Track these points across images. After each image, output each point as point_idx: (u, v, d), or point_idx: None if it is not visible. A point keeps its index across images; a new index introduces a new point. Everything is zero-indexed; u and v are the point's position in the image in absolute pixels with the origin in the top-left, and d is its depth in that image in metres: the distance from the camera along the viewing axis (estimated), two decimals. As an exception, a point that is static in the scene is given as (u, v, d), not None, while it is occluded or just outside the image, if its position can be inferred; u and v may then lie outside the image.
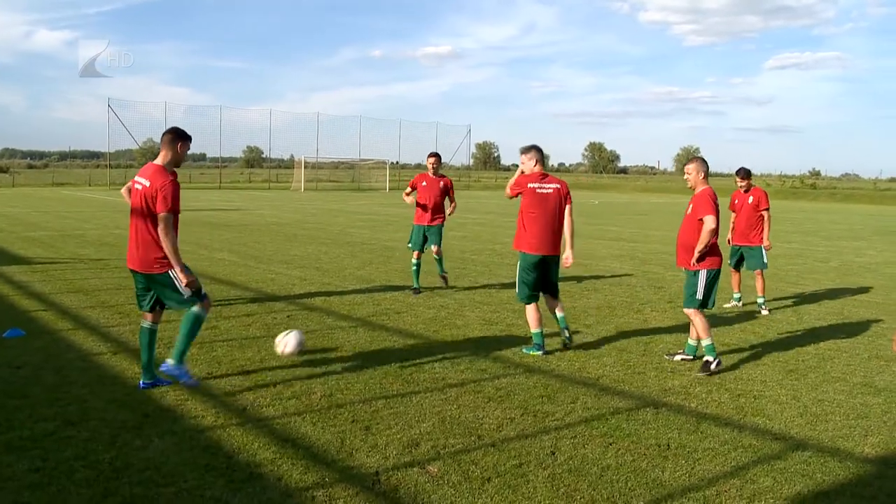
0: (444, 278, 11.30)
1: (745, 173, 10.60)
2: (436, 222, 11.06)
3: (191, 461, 4.53)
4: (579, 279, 12.41)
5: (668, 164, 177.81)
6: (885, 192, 66.58)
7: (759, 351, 7.79)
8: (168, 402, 5.59)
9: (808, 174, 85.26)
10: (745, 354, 7.61)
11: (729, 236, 10.66)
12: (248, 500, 4.05)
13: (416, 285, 10.96)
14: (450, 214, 11.41)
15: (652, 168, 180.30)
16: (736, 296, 10.58)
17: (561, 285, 11.43)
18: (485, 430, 5.20)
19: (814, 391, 6.42)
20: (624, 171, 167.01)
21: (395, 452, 4.76)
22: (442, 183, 11.15)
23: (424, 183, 11.10)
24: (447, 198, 11.23)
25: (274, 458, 4.60)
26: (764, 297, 10.30)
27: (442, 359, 6.99)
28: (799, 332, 8.84)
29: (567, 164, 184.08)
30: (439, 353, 7.19)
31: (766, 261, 10.42)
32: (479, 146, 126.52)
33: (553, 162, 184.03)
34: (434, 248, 11.04)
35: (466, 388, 6.13)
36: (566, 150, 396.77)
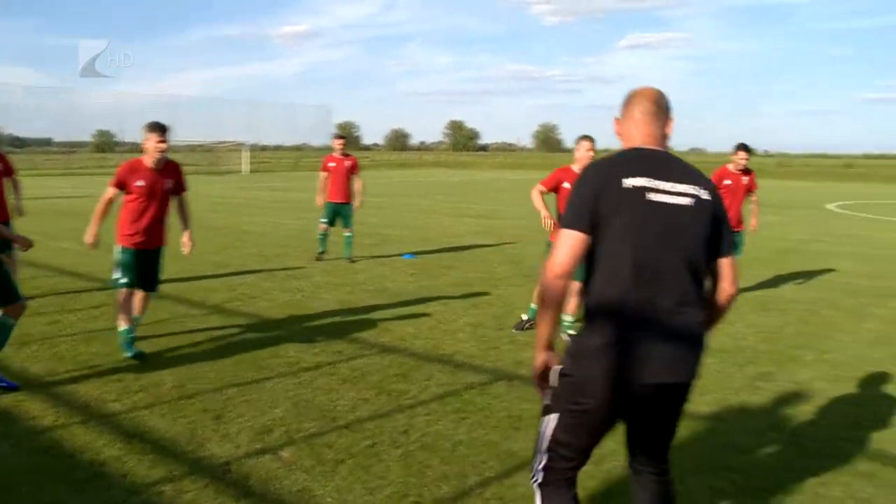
0: (351, 260, 11.85)
1: (747, 148, 9.54)
2: (346, 201, 11.91)
3: (28, 466, 4.30)
4: (436, 257, 12.54)
5: (527, 141, 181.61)
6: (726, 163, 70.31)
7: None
8: (2, 406, 5.28)
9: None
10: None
11: None
12: (89, 501, 3.89)
13: (321, 249, 11.92)
14: (356, 205, 12.11)
15: (511, 145, 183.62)
16: None
17: (419, 263, 11.61)
18: (339, 412, 5.19)
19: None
20: (484, 148, 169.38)
21: (247, 440, 4.68)
22: (349, 163, 11.92)
23: (333, 164, 11.89)
24: (355, 177, 12.02)
25: (119, 455, 4.43)
26: None
27: (297, 342, 6.91)
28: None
29: (428, 143, 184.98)
30: (294, 337, 7.10)
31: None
32: (339, 126, 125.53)
33: (414, 140, 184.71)
34: (346, 230, 11.96)
35: (321, 371, 6.09)
36: (427, 129, 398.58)
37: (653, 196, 2.72)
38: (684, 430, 4.97)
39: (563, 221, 2.78)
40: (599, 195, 2.71)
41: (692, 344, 2.79)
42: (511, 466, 4.39)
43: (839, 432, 5.07)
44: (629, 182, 2.72)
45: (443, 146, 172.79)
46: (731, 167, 9.52)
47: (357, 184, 12.03)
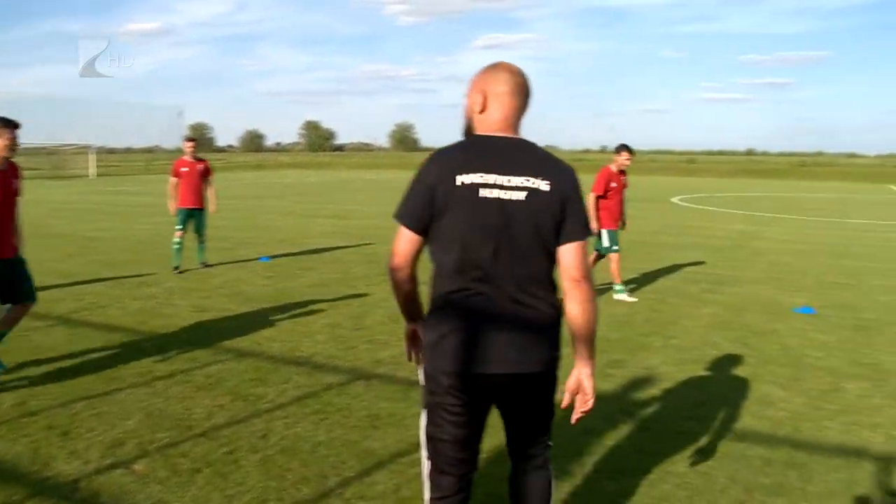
0: (205, 265, 11.49)
1: (629, 149, 9.64)
2: (200, 206, 11.35)
3: None
4: (293, 259, 12.40)
5: (383, 141, 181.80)
6: (580, 161, 73.12)
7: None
8: None
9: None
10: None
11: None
12: (-79, 530, 3.66)
13: (176, 263, 11.09)
14: (212, 210, 11.69)
15: (368, 145, 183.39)
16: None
17: (275, 266, 11.45)
18: (194, 421, 5.07)
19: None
20: (341, 148, 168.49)
21: (97, 455, 4.50)
22: (201, 167, 11.36)
23: (185, 169, 11.28)
24: (208, 181, 11.52)
25: (-47, 481, 4.18)
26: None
27: (149, 351, 6.69)
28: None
29: (284, 144, 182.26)
30: (147, 346, 6.87)
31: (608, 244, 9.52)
32: (191, 128, 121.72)
33: (269, 141, 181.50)
34: (198, 235, 11.44)
35: (175, 380, 5.92)
36: (283, 130, 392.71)
37: (485, 192, 2.65)
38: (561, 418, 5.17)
39: (398, 215, 2.80)
40: (434, 193, 2.68)
41: (534, 335, 2.79)
42: (371, 465, 4.42)
43: (684, 412, 5.38)
44: (462, 179, 2.65)
45: (299, 147, 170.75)
46: (613, 168, 9.63)
47: (210, 189, 11.56)
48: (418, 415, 5.14)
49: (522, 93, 2.82)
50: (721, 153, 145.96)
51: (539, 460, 3.08)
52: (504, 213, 2.67)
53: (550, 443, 3.14)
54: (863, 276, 11.67)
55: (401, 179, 47.78)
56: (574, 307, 2.77)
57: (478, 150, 2.76)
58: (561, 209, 2.71)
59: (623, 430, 5.04)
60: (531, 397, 2.94)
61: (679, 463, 4.51)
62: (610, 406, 5.51)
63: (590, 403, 2.90)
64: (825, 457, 4.67)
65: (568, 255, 2.74)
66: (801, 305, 9.01)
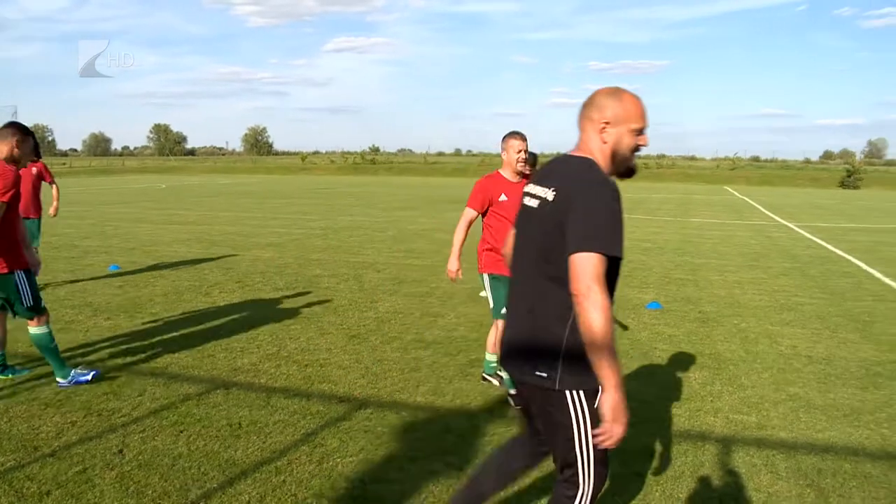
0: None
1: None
2: (36, 216, 10.03)
3: None
4: (144, 267, 11.95)
5: (236, 145, 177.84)
6: (434, 164, 74.11)
7: (325, 321, 8.20)
8: None
9: (368, 150, 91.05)
10: (312, 325, 7.95)
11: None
12: None
13: None
14: (52, 213, 10.97)
15: (221, 149, 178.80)
16: None
17: (126, 274, 10.99)
18: (42, 440, 4.80)
19: (374, 352, 6.95)
20: (192, 152, 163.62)
21: (-68, 482, 4.20)
22: (35, 170, 10.00)
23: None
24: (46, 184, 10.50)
25: None
26: None
27: (-11, 369, 6.29)
28: (361, 298, 9.45)
29: (132, 148, 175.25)
30: (-15, 364, 6.46)
31: None
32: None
33: (116, 145, 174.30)
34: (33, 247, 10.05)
35: (19, 398, 5.59)
36: (130, 133, 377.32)
37: (524, 200, 3.02)
38: (401, 420, 5.22)
39: (620, 248, 2.71)
40: None
41: (533, 345, 2.85)
42: (234, 475, 4.33)
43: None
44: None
45: (148, 151, 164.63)
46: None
47: (54, 189, 10.98)
48: (281, 421, 5.11)
49: (584, 111, 2.92)
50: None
51: (561, 480, 3.02)
52: (526, 220, 3.01)
53: (572, 491, 2.96)
54: (702, 271, 12.37)
55: (255, 183, 47.32)
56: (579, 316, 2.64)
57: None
58: (557, 220, 2.73)
59: (484, 428, 5.15)
60: (539, 410, 2.98)
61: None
62: (471, 405, 5.62)
63: (608, 436, 2.68)
64: (674, 443, 4.94)
65: (569, 265, 2.65)
66: (650, 301, 9.44)
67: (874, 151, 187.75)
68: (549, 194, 2.79)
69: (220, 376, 6.16)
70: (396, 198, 31.82)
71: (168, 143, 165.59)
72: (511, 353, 2.98)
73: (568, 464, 2.91)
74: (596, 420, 2.73)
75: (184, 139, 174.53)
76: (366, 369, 6.42)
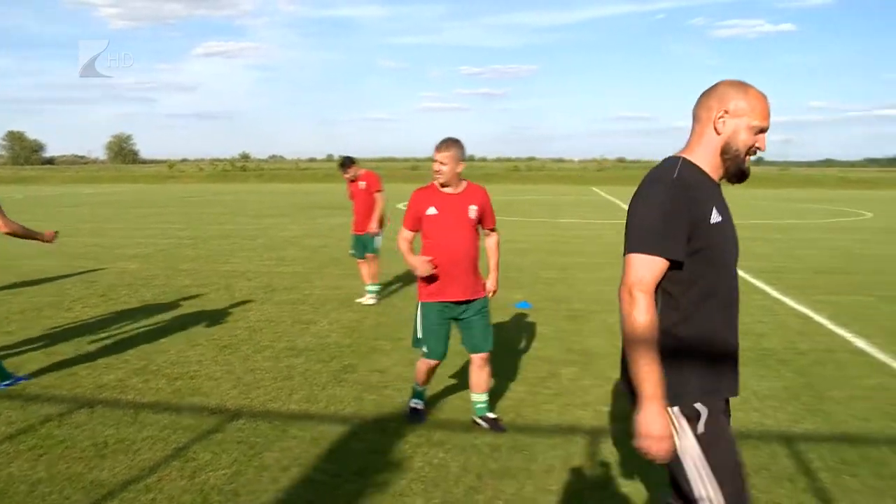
0: None
1: (350, 161, 9.80)
2: None
3: None
4: (1, 282, 11.32)
5: (99, 153, 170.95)
6: (305, 171, 73.60)
7: (195, 332, 7.99)
8: None
9: (238, 157, 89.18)
10: (182, 337, 7.73)
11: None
12: None
13: None
14: None
15: (82, 157, 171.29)
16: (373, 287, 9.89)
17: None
18: None
19: (246, 362, 6.83)
20: (51, 161, 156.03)
21: None
22: None
23: None
24: None
25: None
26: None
27: None
28: (232, 308, 9.26)
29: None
30: None
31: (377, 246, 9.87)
32: None
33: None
34: None
35: None
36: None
37: None
38: (274, 429, 5.16)
39: None
40: None
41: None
42: (100, 496, 4.16)
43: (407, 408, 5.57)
44: None
45: (1, 160, 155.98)
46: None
47: None
48: (150, 437, 4.95)
49: (701, 99, 2.70)
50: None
51: None
52: None
53: None
54: (572, 270, 12.74)
55: (120, 193, 45.55)
56: None
57: None
58: None
59: (358, 432, 5.14)
60: None
61: (415, 458, 4.68)
62: (345, 411, 5.60)
63: (643, 451, 2.48)
64: (545, 437, 5.08)
65: None
66: (520, 300, 9.65)
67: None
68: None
69: (84, 395, 5.91)
70: (267, 205, 31.33)
71: (23, 152, 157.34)
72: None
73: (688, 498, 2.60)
74: (704, 441, 2.53)
75: (41, 147, 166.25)
76: (237, 379, 6.30)
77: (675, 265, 2.49)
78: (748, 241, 17.82)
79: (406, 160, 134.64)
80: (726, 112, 2.60)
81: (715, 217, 2.55)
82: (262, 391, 6.01)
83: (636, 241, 2.50)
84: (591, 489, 4.33)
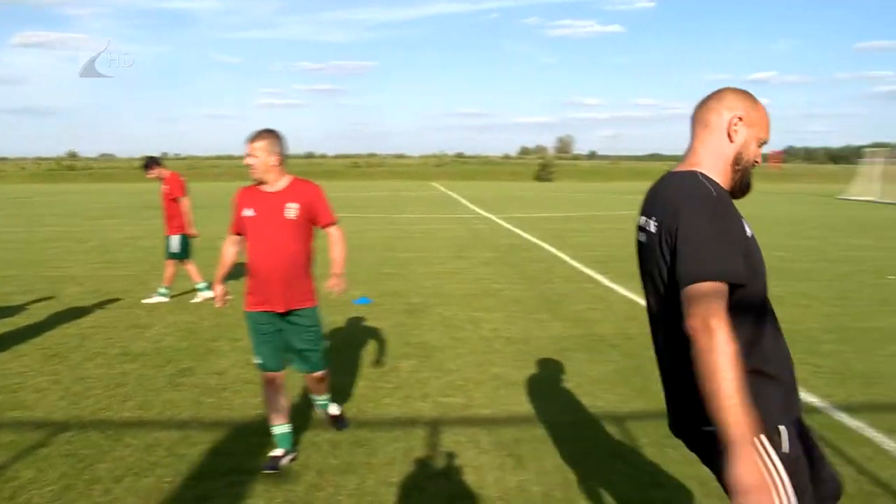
0: None
1: (153, 162, 9.75)
2: None
3: None
4: None
5: None
6: (138, 170, 70.49)
7: (20, 342, 7.55)
8: None
9: (65, 156, 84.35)
10: (4, 349, 7.28)
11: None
12: None
13: None
14: None
15: None
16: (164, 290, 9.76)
17: None
18: None
19: (75, 370, 6.53)
20: None
21: None
22: None
23: None
24: None
25: None
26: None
27: None
28: (60, 315, 8.81)
29: None
30: None
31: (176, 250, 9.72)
32: None
33: None
34: None
35: None
36: None
37: (638, 237, 2.56)
38: (106, 439, 4.97)
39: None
40: None
41: (681, 393, 2.49)
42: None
43: (257, 411, 5.51)
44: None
45: None
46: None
47: None
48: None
49: (699, 113, 2.52)
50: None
51: None
52: (642, 258, 2.55)
53: None
54: (411, 265, 12.89)
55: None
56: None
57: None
58: (664, 251, 2.37)
59: (195, 437, 5.03)
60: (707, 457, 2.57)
61: (256, 459, 4.63)
62: (182, 416, 5.46)
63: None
64: (386, 431, 5.15)
65: (682, 299, 2.25)
66: (359, 297, 9.68)
67: (563, 147, 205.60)
68: (651, 225, 2.40)
69: None
70: (99, 206, 29.93)
71: None
72: (680, 415, 2.57)
73: None
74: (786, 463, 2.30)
75: None
76: (66, 389, 6.02)
77: (733, 288, 2.22)
78: (581, 233, 18.64)
79: (243, 158, 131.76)
80: (741, 119, 2.44)
81: (748, 230, 2.38)
82: (93, 400, 5.76)
83: (697, 268, 2.19)
84: (432, 479, 4.43)
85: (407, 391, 6.00)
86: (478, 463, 4.62)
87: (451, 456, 4.73)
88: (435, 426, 5.24)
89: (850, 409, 5.59)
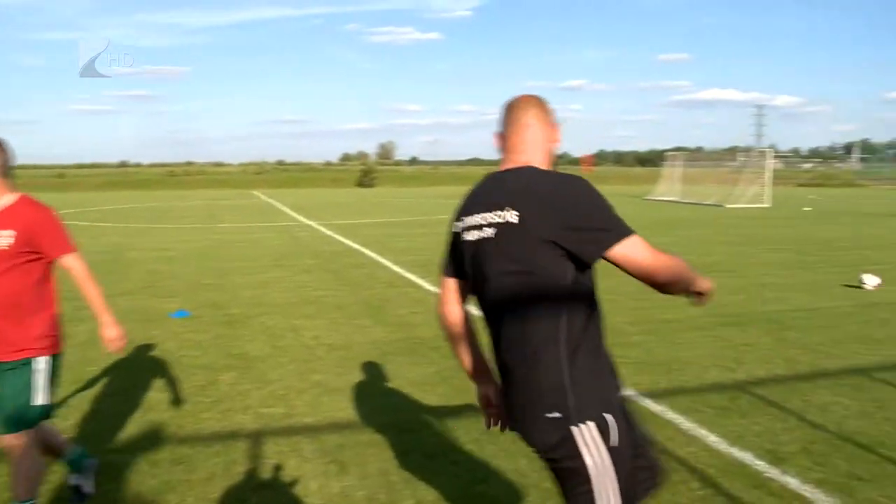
0: None
1: None
2: None
3: None
4: None
5: None
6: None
7: None
8: None
9: None
10: None
11: None
12: None
13: None
14: None
15: None
16: None
17: None
18: None
19: None
20: None
21: None
22: None
23: None
24: None
25: None
26: None
27: None
28: None
29: None
30: None
31: None
32: None
33: None
34: None
35: None
36: None
37: (466, 236, 2.61)
38: None
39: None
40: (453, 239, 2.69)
41: (529, 384, 2.48)
42: None
43: (67, 432, 5.23)
44: (457, 225, 2.67)
45: None
46: None
47: None
48: None
49: (525, 111, 2.69)
50: (94, 166, 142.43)
51: None
52: (481, 253, 2.59)
53: None
54: (230, 275, 12.59)
55: None
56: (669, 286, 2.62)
57: (476, 191, 2.69)
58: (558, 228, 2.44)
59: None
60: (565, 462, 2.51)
61: (63, 486, 4.40)
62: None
63: None
64: (205, 446, 5.02)
65: (626, 255, 2.51)
66: (177, 310, 9.38)
67: (385, 153, 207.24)
68: (510, 216, 2.43)
69: None
70: None
71: None
72: (524, 407, 2.51)
73: None
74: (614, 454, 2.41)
75: None
76: None
77: (586, 266, 2.49)
78: (401, 237, 18.86)
79: (52, 167, 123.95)
80: (556, 123, 2.70)
81: None
82: None
83: (623, 225, 2.44)
84: (255, 491, 4.37)
85: (227, 404, 5.87)
86: (301, 472, 4.60)
87: (273, 467, 4.68)
88: (256, 438, 5.17)
89: (654, 394, 6.00)
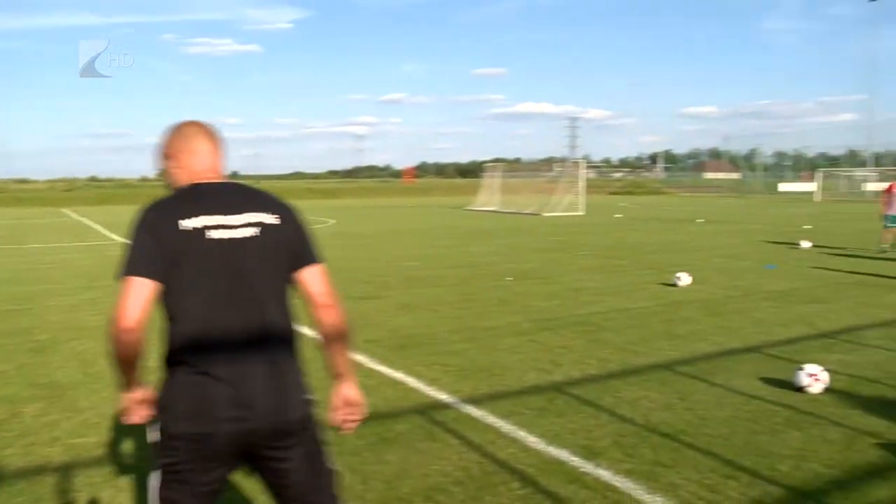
0: None
1: None
2: None
3: None
4: None
5: None
6: None
7: None
8: None
9: None
10: None
11: None
12: None
13: None
14: None
15: None
16: None
17: None
18: None
19: None
20: None
21: None
22: None
23: None
24: None
25: None
26: None
27: None
28: None
29: None
30: None
31: None
32: None
33: None
34: None
35: None
36: None
37: (213, 234, 2.57)
38: None
39: (125, 269, 2.50)
40: (160, 240, 2.52)
41: (279, 382, 2.65)
42: None
43: None
44: (187, 224, 2.55)
45: None
46: None
47: None
48: None
49: (220, 142, 2.89)
50: None
51: None
52: (237, 252, 2.62)
53: None
54: (38, 298, 11.82)
55: None
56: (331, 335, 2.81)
57: (198, 196, 2.66)
58: (292, 240, 2.74)
59: None
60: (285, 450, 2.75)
61: None
62: None
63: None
64: (7, 485, 4.66)
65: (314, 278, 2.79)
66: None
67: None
68: (271, 218, 2.67)
69: None
70: None
71: None
72: (255, 397, 2.59)
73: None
74: None
75: None
76: None
77: None
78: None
79: None
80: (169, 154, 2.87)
81: None
82: None
83: (319, 252, 2.81)
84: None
85: (31, 437, 5.48)
86: (116, 503, 4.40)
87: (87, 501, 4.46)
88: (66, 471, 4.88)
89: (475, 400, 6.17)
